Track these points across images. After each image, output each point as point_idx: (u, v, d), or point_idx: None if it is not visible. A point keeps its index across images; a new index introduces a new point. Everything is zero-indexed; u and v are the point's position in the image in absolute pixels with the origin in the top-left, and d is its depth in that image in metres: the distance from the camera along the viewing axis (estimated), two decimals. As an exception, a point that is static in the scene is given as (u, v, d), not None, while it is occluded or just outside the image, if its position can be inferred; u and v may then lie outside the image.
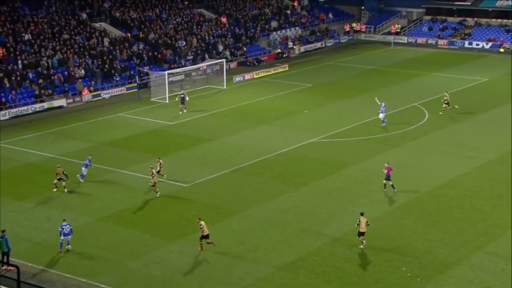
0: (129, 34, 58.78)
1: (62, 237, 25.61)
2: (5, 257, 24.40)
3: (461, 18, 73.58)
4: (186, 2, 67.84)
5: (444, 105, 43.23)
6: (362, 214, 25.82)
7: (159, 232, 27.26)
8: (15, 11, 55.94)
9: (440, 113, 42.43)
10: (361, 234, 25.65)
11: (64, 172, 31.44)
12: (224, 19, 66.96)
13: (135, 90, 51.18)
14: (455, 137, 39.61)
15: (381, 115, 41.03)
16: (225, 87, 53.10)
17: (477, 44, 68.59)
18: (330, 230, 27.38)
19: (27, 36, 53.16)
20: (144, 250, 25.90)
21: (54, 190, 31.38)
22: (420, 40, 71.96)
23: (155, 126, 42.88)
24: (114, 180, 33.36)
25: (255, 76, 57.19)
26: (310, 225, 27.93)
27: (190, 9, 67.03)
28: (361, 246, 25.67)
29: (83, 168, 32.95)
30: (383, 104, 41.16)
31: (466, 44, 69.33)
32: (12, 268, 22.58)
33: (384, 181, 31.03)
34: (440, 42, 70.73)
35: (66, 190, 31.42)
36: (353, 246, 25.96)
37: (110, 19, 60.62)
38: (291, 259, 25.05)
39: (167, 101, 48.71)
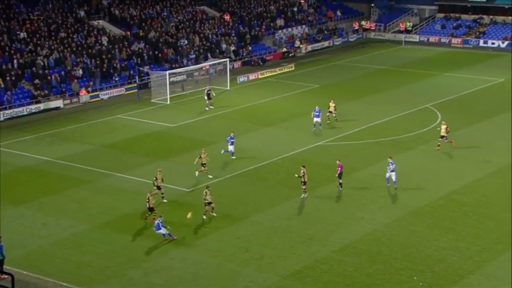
0: (128, 33, 58.96)
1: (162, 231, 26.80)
2: (-1, 264, 24.50)
3: (476, 16, 73.50)
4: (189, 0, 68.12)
5: (440, 139, 37.53)
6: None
7: (160, 239, 27.31)
8: (10, 8, 56.21)
9: (437, 148, 37.27)
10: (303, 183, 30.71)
11: (157, 185, 30.74)
12: (227, 17, 67.11)
13: (135, 90, 51.30)
14: (469, 140, 39.56)
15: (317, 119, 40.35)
16: (228, 88, 53.19)
17: (493, 43, 68.49)
18: (338, 238, 27.39)
19: (22, 35, 53.39)
20: (144, 258, 25.96)
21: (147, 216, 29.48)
22: (433, 39, 71.91)
23: (156, 128, 42.96)
24: (113, 184, 33.44)
25: (260, 76, 57.27)
26: (317, 232, 27.94)
27: (193, 7, 67.20)
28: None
29: (229, 146, 35.18)
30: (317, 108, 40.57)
31: (481, 43, 69.23)
32: (6, 276, 22.63)
33: (340, 180, 31.60)
34: (454, 40, 70.65)
35: (164, 200, 30.83)
36: (363, 254, 25.95)
37: (109, 17, 60.82)
38: (297, 267, 25.07)
39: (168, 102, 48.81)
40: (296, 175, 31.08)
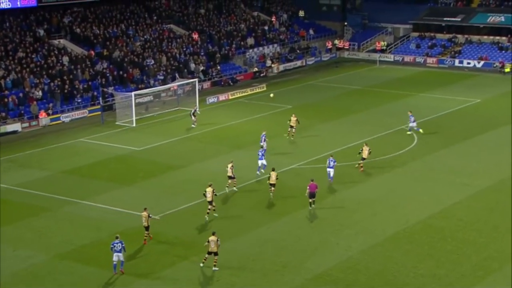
0: (91, 52, 58.72)
1: (114, 257, 26.48)
2: None
3: (450, 35, 74.99)
4: (155, 17, 68.18)
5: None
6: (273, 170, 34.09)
7: (124, 269, 26.91)
8: (-35, 26, 55.63)
9: (356, 166, 38.32)
10: (272, 185, 34.00)
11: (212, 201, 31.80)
12: (196, 36, 67.36)
13: (99, 113, 50.97)
14: (447, 162, 40.07)
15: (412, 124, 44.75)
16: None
17: (468, 63, 69.86)
18: (312, 265, 27.35)
19: (-22, 54, 52.82)
20: (108, 290, 25.55)
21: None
22: (408, 58, 73.10)
23: (121, 152, 42.65)
24: (75, 212, 33.00)
25: (230, 97, 57.42)
26: (290, 259, 27.87)
27: (159, 25, 67.34)
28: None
29: (260, 161, 36.84)
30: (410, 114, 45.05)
31: (457, 63, 70.56)
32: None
33: (310, 200, 32.60)
34: (429, 60, 71.92)
35: (216, 215, 32.16)
36: (339, 282, 25.93)
37: (70, 36, 60.53)
38: (271, 297, 24.93)
39: (134, 125, 48.55)
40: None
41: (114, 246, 26.67)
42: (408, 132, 45.11)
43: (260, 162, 37.51)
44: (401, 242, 29.51)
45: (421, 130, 45.05)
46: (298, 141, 44.51)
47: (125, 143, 44.38)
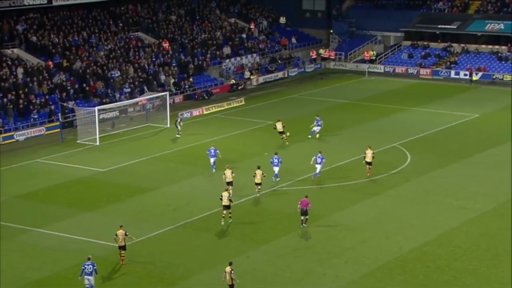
0: (49, 63, 58.46)
1: (85, 281, 26.80)
2: None
3: (446, 44, 75.80)
4: (121, 24, 68.17)
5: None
6: (258, 168, 37.26)
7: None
8: None
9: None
10: (258, 184, 37.05)
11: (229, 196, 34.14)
12: (166, 45, 67.45)
13: (58, 130, 50.67)
14: (443, 184, 40.31)
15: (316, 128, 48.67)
16: (168, 126, 53.05)
17: (465, 74, 70.58)
18: (297, 299, 27.26)
19: None
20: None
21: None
22: (399, 69, 73.80)
23: (83, 173, 42.36)
24: (30, 242, 32.61)
25: (205, 112, 57.42)
26: (272, 292, 27.76)
27: (126, 33, 67.35)
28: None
29: (275, 168, 39.55)
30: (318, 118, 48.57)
31: (453, 74, 71.31)
32: None
33: (302, 217, 33.65)
34: (422, 71, 72.65)
35: (231, 220, 34.26)
36: (325, 318, 25.83)
37: (25, 45, 60.24)
38: (250, 335, 24.73)
39: (98, 143, 48.28)
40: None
41: (85, 268, 26.94)
42: (309, 136, 48.92)
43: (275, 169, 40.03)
44: (394, 271, 29.52)
45: (317, 136, 48.75)
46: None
47: (87, 164, 44.07)
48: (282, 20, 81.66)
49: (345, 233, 33.22)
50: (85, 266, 26.99)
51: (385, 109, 58.38)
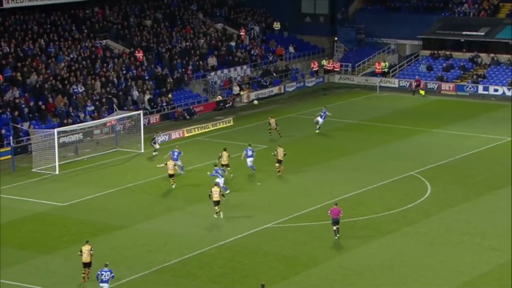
0: (0, 77, 58.53)
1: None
2: None
3: (472, 54, 75.85)
4: (85, 31, 68.37)
5: (277, 164, 47.57)
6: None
7: None
8: None
9: (278, 174, 47.12)
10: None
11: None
12: (140, 55, 67.68)
13: (9, 156, 50.63)
14: (470, 220, 40.40)
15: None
16: (142, 151, 53.12)
17: (495, 90, 70.88)
18: None
19: None
20: None
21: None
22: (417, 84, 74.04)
23: (39, 209, 42.31)
24: (-24, 290, 32.50)
25: (186, 135, 57.53)
26: None
27: (91, 40, 67.55)
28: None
29: (249, 160, 46.26)
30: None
31: (480, 90, 71.59)
32: None
33: (334, 227, 36.63)
34: (444, 86, 72.94)
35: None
36: None
37: (-28, 54, 60.42)
38: None
39: (57, 172, 48.28)
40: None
41: (102, 274, 29.58)
42: (317, 131, 55.32)
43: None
44: (412, 325, 29.58)
45: (317, 131, 53.97)
46: (273, 191, 44.60)
47: (44, 197, 44.03)
48: (277, 25, 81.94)
49: (353, 279, 33.18)
50: (102, 272, 29.81)
51: (400, 131, 58.60)
